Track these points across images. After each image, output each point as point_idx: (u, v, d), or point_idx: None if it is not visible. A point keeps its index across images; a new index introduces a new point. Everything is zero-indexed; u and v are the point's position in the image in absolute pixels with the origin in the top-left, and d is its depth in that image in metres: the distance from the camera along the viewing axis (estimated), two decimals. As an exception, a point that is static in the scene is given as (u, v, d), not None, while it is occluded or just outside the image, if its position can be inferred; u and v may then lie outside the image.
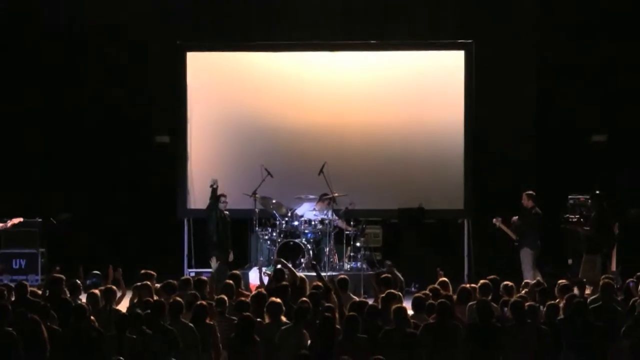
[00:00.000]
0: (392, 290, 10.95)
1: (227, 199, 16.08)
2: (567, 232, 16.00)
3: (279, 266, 12.71)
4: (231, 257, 16.05)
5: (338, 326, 9.70)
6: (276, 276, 12.18)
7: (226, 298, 10.65)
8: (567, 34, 18.25)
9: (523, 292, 11.64)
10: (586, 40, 18.15)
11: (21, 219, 16.14)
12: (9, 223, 15.92)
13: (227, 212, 16.11)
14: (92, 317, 9.96)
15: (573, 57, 18.17)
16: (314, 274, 12.23)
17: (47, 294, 11.23)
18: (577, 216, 15.33)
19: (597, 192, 15.14)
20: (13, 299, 11.06)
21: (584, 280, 13.37)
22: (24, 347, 9.21)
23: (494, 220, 15.76)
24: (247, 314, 9.69)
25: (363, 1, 18.80)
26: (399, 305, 9.98)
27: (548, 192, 16.75)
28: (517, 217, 15.65)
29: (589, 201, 15.25)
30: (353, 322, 9.52)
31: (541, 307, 10.59)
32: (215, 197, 16.00)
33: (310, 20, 18.46)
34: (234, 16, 18.69)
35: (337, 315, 10.14)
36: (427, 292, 11.30)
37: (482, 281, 11.57)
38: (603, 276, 12.73)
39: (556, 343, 9.81)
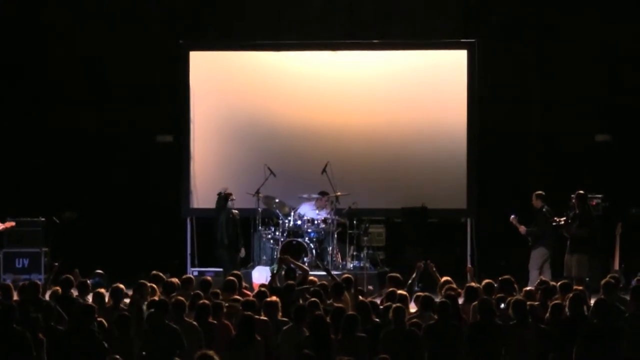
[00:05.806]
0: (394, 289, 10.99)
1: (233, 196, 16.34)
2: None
3: (291, 265, 12.77)
4: (242, 252, 16.56)
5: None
6: (287, 275, 12.24)
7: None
8: (570, 33, 18.23)
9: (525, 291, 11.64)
10: (590, 39, 18.13)
11: (13, 224, 16.16)
12: (1, 227, 15.92)
13: (236, 211, 16.45)
14: (99, 317, 9.99)
15: (576, 56, 18.16)
16: (318, 273, 12.26)
17: (58, 294, 11.27)
18: (563, 218, 15.28)
19: (581, 191, 15.09)
20: (16, 298, 11.07)
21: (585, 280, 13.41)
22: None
23: (511, 218, 15.64)
24: (249, 313, 9.70)
25: (366, 1, 18.80)
26: (398, 304, 9.97)
27: (552, 192, 16.72)
28: (514, 216, 15.59)
29: (572, 201, 15.19)
30: (352, 321, 9.48)
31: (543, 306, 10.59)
32: (224, 199, 16.21)
33: (314, 19, 18.47)
34: (237, 16, 18.70)
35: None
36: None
37: (485, 281, 11.58)
38: (609, 275, 12.72)
39: (558, 343, 9.78)
